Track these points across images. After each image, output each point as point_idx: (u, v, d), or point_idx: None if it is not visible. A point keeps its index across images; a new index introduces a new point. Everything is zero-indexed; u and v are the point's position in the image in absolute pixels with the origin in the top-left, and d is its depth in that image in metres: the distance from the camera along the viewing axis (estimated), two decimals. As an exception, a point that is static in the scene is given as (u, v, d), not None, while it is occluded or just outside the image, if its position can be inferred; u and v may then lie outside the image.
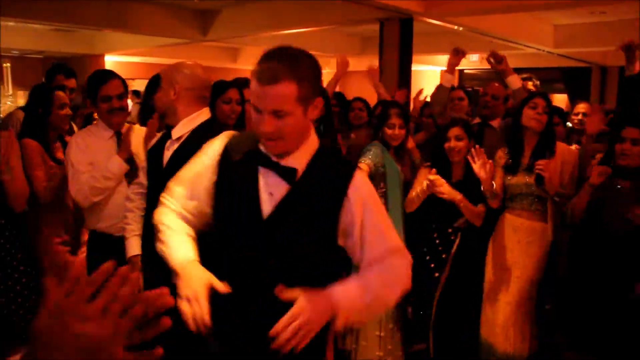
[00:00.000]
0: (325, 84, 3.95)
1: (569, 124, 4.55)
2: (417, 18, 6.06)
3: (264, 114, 1.45)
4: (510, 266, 3.22)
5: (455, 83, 5.56)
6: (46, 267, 2.98)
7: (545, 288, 3.28)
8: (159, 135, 2.52)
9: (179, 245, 1.56)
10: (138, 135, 2.92)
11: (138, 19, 7.39)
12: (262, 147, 1.56)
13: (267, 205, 1.54)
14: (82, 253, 3.07)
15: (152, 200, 2.05)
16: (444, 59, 12.01)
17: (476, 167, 3.04)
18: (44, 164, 3.01)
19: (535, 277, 3.20)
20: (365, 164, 3.16)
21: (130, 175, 2.71)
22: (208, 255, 1.55)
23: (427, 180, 3.08)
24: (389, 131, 3.24)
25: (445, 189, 3.09)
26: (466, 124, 3.34)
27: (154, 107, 2.99)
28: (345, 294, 1.47)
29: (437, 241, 3.27)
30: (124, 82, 2.88)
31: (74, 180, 2.72)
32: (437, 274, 3.24)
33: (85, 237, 3.03)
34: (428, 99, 4.57)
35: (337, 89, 4.70)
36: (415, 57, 6.41)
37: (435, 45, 9.12)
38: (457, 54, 4.07)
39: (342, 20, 6.98)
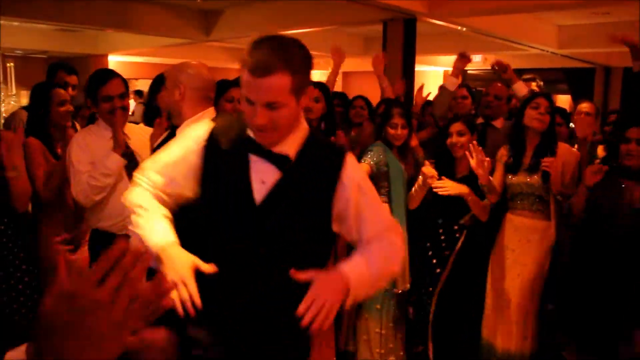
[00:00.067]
0: (325, 80, 3.95)
1: (572, 125, 4.53)
2: (421, 18, 6.04)
3: (257, 106, 1.42)
4: (512, 265, 3.23)
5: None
6: (47, 267, 2.98)
7: (548, 288, 3.28)
8: (164, 134, 2.52)
9: (157, 226, 1.50)
10: (141, 134, 2.92)
11: (141, 19, 7.39)
12: (250, 133, 1.54)
13: (259, 193, 1.52)
14: (84, 253, 3.07)
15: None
16: (447, 59, 12.03)
17: (473, 162, 3.05)
18: (46, 163, 3.01)
19: (537, 275, 3.20)
20: (366, 163, 3.17)
21: (131, 168, 2.71)
22: (186, 238, 1.50)
23: (422, 173, 3.09)
24: (391, 131, 3.24)
25: (450, 185, 3.11)
26: (468, 119, 3.34)
27: (158, 106, 3.00)
28: (354, 270, 1.49)
29: (442, 237, 3.27)
30: (124, 81, 2.88)
31: (75, 181, 2.72)
32: (438, 270, 3.25)
33: (87, 236, 3.02)
34: (430, 98, 4.56)
35: (340, 90, 4.69)
36: (418, 58, 6.40)
37: (438, 46, 9.10)
38: (463, 59, 4.06)
39: (345, 21, 6.96)
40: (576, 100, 5.30)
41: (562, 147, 3.30)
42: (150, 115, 3.28)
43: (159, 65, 10.94)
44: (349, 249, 2.27)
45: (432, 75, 12.61)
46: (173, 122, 2.33)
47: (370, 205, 1.60)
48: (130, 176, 2.72)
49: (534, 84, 4.68)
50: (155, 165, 1.62)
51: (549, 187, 3.11)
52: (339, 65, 4.19)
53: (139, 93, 11.26)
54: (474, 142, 3.11)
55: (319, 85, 3.52)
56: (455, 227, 3.26)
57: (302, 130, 1.57)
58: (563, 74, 11.42)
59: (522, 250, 3.20)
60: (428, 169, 3.09)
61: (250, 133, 1.54)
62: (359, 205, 1.56)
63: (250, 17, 7.44)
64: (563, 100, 11.25)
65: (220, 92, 2.77)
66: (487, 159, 3.05)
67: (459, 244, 3.24)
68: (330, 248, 1.69)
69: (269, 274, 1.53)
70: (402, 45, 6.07)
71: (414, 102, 4.39)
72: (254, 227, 1.53)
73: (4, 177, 2.77)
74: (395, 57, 5.90)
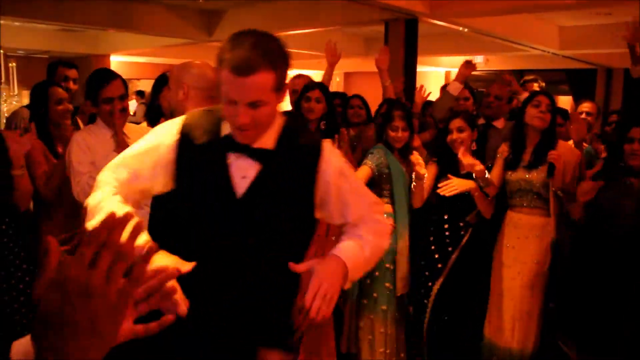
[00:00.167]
0: (321, 79, 3.93)
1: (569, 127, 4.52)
2: (422, 19, 6.04)
3: (239, 106, 1.40)
4: (512, 263, 3.23)
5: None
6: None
7: (549, 287, 3.27)
8: None
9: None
10: (142, 134, 2.91)
11: (143, 19, 7.40)
12: (226, 131, 1.52)
13: (240, 188, 1.51)
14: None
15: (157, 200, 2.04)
16: (448, 60, 12.00)
17: (460, 153, 3.10)
18: (46, 162, 3.01)
19: (538, 273, 3.20)
20: (367, 165, 3.18)
21: None
22: (162, 236, 1.44)
23: (413, 168, 3.12)
24: (392, 134, 3.24)
25: (456, 182, 3.13)
26: (468, 115, 3.35)
27: (160, 107, 2.99)
28: (348, 253, 1.52)
29: (447, 233, 3.27)
30: (124, 81, 2.87)
31: (76, 181, 2.72)
32: (440, 265, 3.24)
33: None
34: (431, 98, 4.56)
35: (342, 90, 4.67)
36: (419, 59, 6.40)
37: (440, 47, 9.10)
38: (469, 66, 4.06)
39: (346, 21, 6.97)
40: (577, 101, 5.29)
41: (563, 145, 3.30)
42: (152, 116, 3.27)
43: (161, 65, 10.94)
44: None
45: (433, 75, 12.61)
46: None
47: (353, 188, 1.62)
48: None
49: (535, 84, 4.67)
50: (118, 161, 1.58)
51: (548, 183, 3.12)
52: (333, 65, 4.06)
53: (140, 93, 11.27)
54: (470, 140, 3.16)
55: (319, 85, 3.51)
56: (461, 224, 3.27)
57: (278, 120, 1.56)
58: (564, 74, 11.42)
59: (521, 247, 3.21)
60: (415, 156, 3.12)
61: (226, 130, 1.52)
62: (341, 189, 1.58)
63: (252, 17, 7.44)
64: (564, 102, 11.23)
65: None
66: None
67: (463, 241, 3.24)
68: (312, 236, 1.71)
69: (256, 265, 1.53)
70: (403, 46, 6.07)
71: (415, 102, 4.38)
72: (238, 220, 1.51)
73: (6, 176, 2.78)
74: (396, 58, 5.89)
